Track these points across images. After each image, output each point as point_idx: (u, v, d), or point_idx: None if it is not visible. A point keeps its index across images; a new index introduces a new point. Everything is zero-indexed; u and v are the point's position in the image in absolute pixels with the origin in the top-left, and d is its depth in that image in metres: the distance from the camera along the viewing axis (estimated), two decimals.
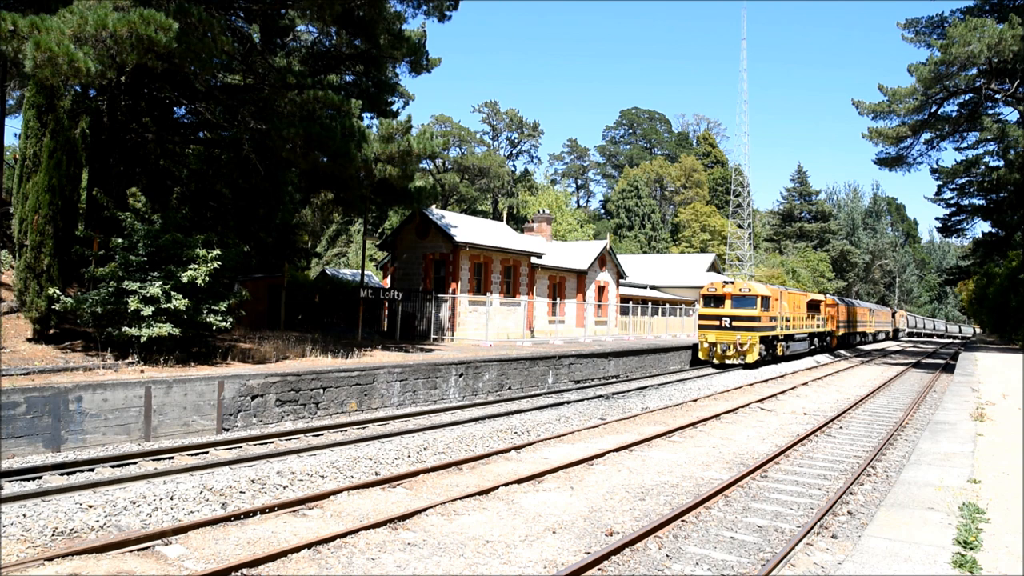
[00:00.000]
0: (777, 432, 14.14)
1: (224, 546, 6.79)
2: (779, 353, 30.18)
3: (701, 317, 29.02)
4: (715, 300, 28.77)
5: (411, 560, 6.62)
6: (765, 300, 28.12)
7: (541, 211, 38.15)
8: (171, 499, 8.04)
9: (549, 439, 12.50)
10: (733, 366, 28.01)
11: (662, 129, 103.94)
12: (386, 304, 25.67)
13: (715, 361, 28.11)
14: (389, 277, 29.23)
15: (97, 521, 7.22)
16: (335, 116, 16.35)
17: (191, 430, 11.87)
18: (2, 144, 16.39)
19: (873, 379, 25.43)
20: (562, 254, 34.97)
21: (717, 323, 28.07)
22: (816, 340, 36.70)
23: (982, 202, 40.44)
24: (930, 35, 34.13)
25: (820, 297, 38.29)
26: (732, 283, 28.85)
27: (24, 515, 7.25)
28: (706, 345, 28.38)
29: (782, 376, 25.58)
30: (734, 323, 27.65)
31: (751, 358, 27.20)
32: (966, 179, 39.28)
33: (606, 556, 6.69)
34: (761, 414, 16.57)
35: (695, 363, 29.71)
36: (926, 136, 36.47)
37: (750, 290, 28.00)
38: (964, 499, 6.52)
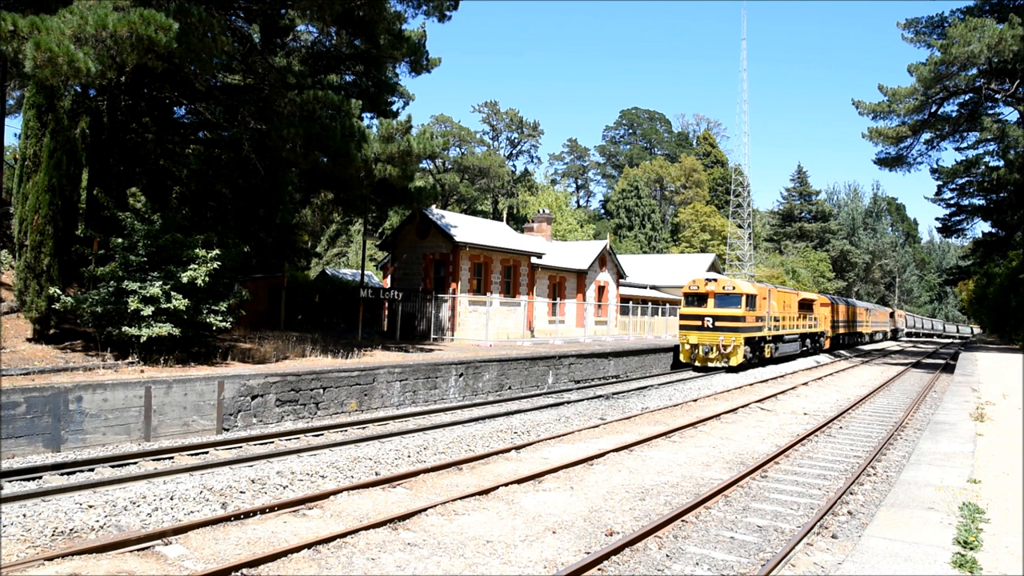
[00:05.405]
0: (777, 432, 14.14)
1: (224, 546, 6.78)
2: (766, 355, 28.58)
3: (682, 317, 27.22)
4: (697, 299, 26.95)
5: (411, 560, 6.62)
6: (751, 299, 26.53)
7: (541, 211, 38.16)
8: (171, 499, 8.04)
9: (549, 439, 12.49)
10: (716, 369, 26.16)
11: (662, 129, 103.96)
12: (386, 304, 25.67)
13: (697, 364, 26.48)
14: (389, 277, 29.24)
15: (97, 521, 7.22)
16: (335, 116, 16.36)
17: (191, 430, 11.87)
18: (2, 144, 16.39)
19: (873, 379, 25.43)
20: (562, 254, 34.98)
21: (699, 323, 26.34)
22: (808, 341, 35.31)
23: (982, 202, 40.42)
24: (930, 35, 34.15)
25: (813, 296, 37.05)
26: (715, 280, 26.96)
27: (24, 515, 7.24)
28: (688, 347, 26.64)
29: (782, 376, 25.54)
30: (717, 323, 25.93)
31: (735, 361, 25.65)
32: (966, 179, 39.28)
33: (606, 556, 6.69)
34: (761, 414, 16.57)
35: (676, 366, 27.84)
36: (926, 136, 36.51)
37: (734, 288, 26.35)
38: (964, 499, 6.52)
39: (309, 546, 6.71)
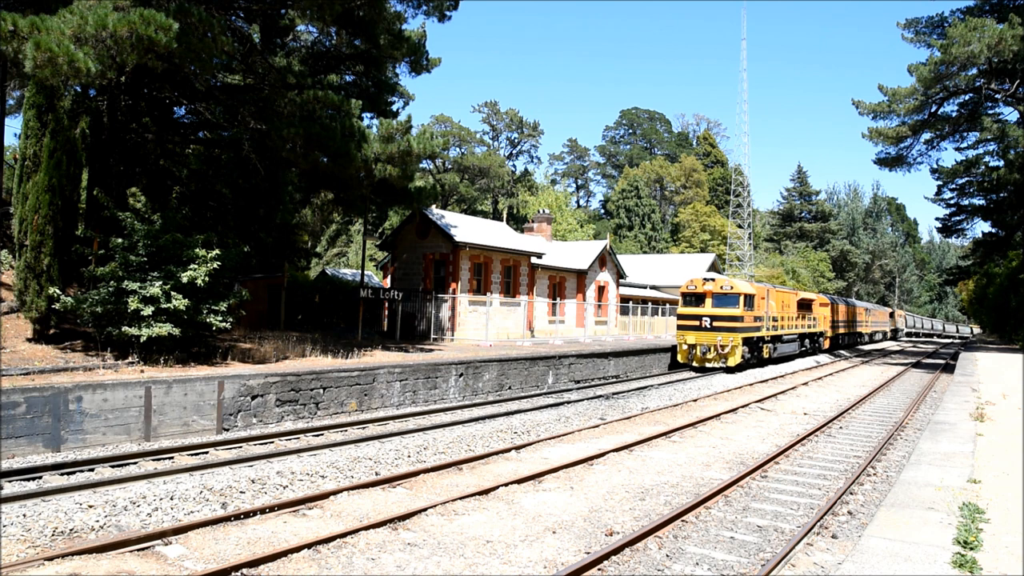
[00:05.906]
0: (777, 432, 14.14)
1: (224, 546, 6.78)
2: (765, 355, 28.28)
3: (680, 316, 26.97)
4: (695, 298, 26.75)
5: (411, 560, 6.62)
6: (749, 299, 26.28)
7: (541, 211, 38.15)
8: (171, 499, 8.04)
9: (549, 439, 12.49)
10: (714, 369, 25.94)
11: (662, 129, 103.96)
12: (386, 304, 25.67)
13: (695, 364, 26.28)
14: (389, 277, 29.24)
15: (97, 521, 7.22)
16: (335, 116, 16.35)
17: (191, 430, 11.87)
18: (2, 144, 16.39)
19: (873, 379, 25.43)
20: (562, 254, 34.98)
21: (697, 323, 26.12)
22: (807, 341, 35.10)
23: (982, 202, 40.40)
24: (930, 35, 34.15)
25: (812, 296, 36.81)
26: (713, 280, 26.72)
27: (24, 515, 7.24)
28: (685, 347, 26.40)
29: (781, 376, 25.54)
30: (715, 323, 25.68)
31: (733, 361, 25.42)
32: (966, 179, 39.27)
33: (606, 556, 6.69)
34: (761, 414, 16.57)
35: (674, 366, 27.79)
36: (926, 136, 36.50)
37: (732, 288, 26.11)
38: (964, 499, 6.52)
39: (309, 546, 6.71)
